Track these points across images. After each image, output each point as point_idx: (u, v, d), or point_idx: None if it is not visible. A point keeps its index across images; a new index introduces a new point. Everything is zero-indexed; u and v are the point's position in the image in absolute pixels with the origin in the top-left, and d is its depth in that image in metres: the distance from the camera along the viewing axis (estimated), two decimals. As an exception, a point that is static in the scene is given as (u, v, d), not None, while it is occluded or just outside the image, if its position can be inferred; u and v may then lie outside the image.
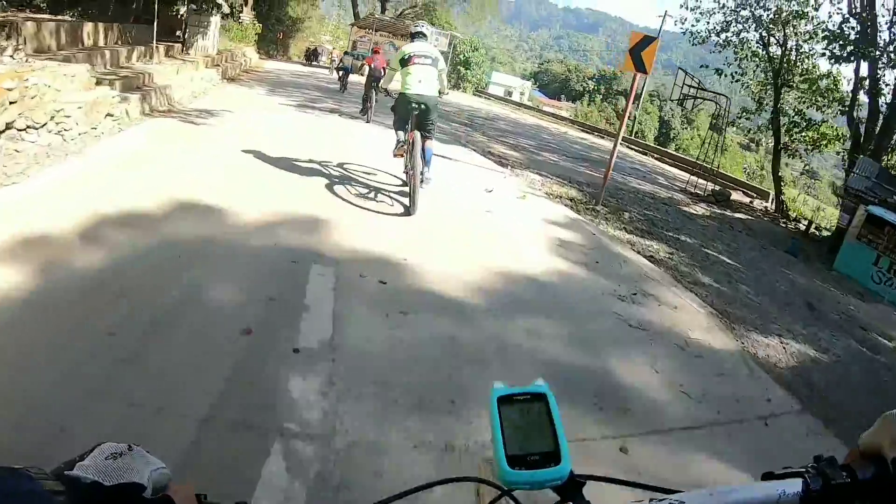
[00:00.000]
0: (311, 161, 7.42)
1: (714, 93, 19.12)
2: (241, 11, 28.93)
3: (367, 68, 12.98)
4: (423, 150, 5.72)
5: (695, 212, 11.53)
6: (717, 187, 15.79)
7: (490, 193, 7.80)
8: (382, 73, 10.00)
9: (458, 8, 39.09)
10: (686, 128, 72.97)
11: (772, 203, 17.50)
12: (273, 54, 38.04)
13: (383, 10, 38.73)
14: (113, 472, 0.49)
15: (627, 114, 8.34)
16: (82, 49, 9.52)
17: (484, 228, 6.08)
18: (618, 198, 9.85)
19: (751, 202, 17.33)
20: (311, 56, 33.26)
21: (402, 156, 6.31)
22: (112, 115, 7.11)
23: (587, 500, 0.59)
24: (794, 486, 0.58)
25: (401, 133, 6.20)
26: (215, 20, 15.67)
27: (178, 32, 14.57)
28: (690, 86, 18.94)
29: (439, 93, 5.97)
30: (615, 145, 8.59)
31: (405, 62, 5.82)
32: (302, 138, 9.01)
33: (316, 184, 6.44)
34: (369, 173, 7.51)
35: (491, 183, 8.44)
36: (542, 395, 0.62)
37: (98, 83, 7.64)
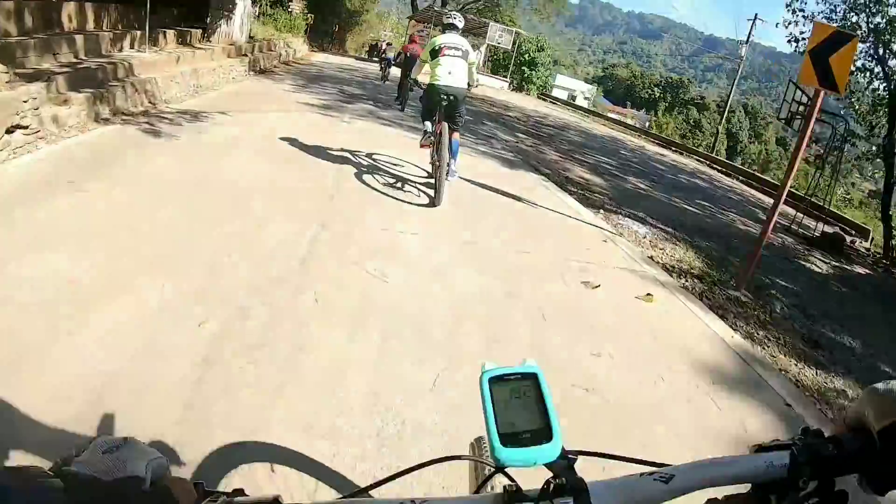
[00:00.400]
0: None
1: (831, 113, 15.72)
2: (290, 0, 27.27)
3: (402, 56, 12.85)
4: (450, 141, 5.57)
5: (817, 268, 8.50)
6: (827, 227, 12.54)
7: (594, 289, 4.46)
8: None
9: (525, 3, 36.05)
10: (753, 142, 67.95)
11: (873, 244, 14.08)
12: (327, 47, 36.32)
13: (444, 4, 36.13)
14: (110, 467, 0.48)
15: (799, 158, 5.16)
16: (52, 34, 7.23)
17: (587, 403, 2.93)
18: (741, 255, 6.92)
19: (852, 242, 13.91)
20: (374, 51, 29.73)
21: (428, 147, 6.19)
22: (23, 127, 4.72)
23: (579, 476, 0.57)
24: (782, 458, 0.59)
25: (428, 124, 5.99)
26: (243, 4, 13.30)
27: (208, 18, 12.40)
28: (801, 103, 15.62)
29: (468, 85, 5.90)
30: (771, 215, 5.21)
31: (435, 53, 5.68)
32: (293, 166, 6.18)
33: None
34: (396, 164, 7.22)
35: (586, 256, 5.22)
36: (533, 375, 0.61)
37: (33, 79, 5.31)
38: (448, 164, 5.48)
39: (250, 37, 15.41)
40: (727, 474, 0.59)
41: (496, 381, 0.60)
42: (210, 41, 12.45)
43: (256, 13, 16.98)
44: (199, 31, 12.16)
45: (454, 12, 7.03)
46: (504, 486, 0.60)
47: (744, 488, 0.63)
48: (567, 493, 0.56)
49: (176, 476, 0.53)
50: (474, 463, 0.79)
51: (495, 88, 29.69)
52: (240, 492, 0.57)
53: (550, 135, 15.99)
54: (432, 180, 5.92)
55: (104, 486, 0.46)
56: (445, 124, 5.57)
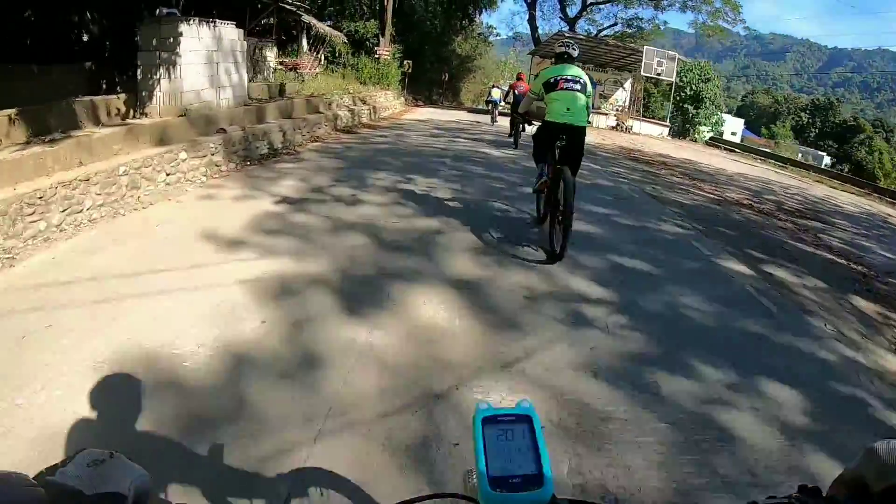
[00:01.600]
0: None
1: None
2: (377, 44, 20.90)
3: (511, 93, 11.78)
4: (571, 185, 4.48)
5: None
6: None
7: None
8: None
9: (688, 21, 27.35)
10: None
11: None
12: (437, 100, 30.23)
13: (572, 28, 28.58)
14: (94, 481, 0.47)
15: None
16: None
17: None
18: None
19: None
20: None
21: (543, 191, 5.27)
22: None
23: None
24: None
25: (542, 165, 5.24)
26: (210, 38, 6.61)
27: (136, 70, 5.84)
28: None
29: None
30: None
31: (550, 87, 4.84)
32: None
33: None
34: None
35: None
36: (527, 417, 0.59)
37: None
38: (570, 207, 4.43)
39: (280, 91, 8.81)
40: None
41: (489, 421, 0.58)
42: (144, 111, 5.80)
43: (274, 62, 10.91)
44: (122, 97, 5.59)
45: (568, 40, 5.99)
46: None
47: None
48: None
49: (159, 497, 0.52)
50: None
51: (653, 136, 21.42)
52: None
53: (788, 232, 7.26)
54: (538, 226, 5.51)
55: (86, 501, 0.45)
56: (566, 168, 4.56)
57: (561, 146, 4.81)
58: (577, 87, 4.76)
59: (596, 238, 5.27)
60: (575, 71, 4.88)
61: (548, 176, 5.00)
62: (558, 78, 4.80)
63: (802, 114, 72.16)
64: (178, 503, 0.55)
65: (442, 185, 6.62)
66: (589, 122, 4.88)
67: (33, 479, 0.44)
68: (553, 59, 5.09)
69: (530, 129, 11.31)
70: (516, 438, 0.57)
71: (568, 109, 4.70)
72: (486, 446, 0.56)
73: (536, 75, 5.74)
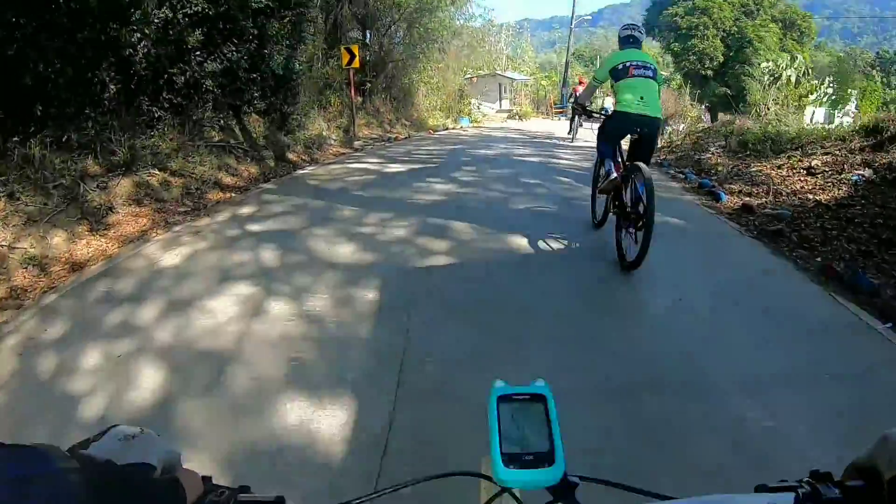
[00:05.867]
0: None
1: None
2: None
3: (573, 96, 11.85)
4: (649, 182, 3.61)
5: None
6: None
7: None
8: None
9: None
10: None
11: None
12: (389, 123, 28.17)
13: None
14: (125, 453, 0.48)
15: None
16: None
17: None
18: None
19: None
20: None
21: (609, 193, 4.31)
22: None
23: (579, 502, 0.54)
24: (787, 499, 0.53)
25: (609, 162, 4.25)
26: None
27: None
28: None
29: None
30: None
31: (619, 74, 4.10)
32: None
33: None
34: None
35: None
36: (542, 396, 0.57)
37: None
38: (648, 215, 3.58)
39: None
40: None
41: (504, 399, 0.56)
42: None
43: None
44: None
45: (632, 23, 4.81)
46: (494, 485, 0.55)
47: None
48: None
49: (187, 468, 0.53)
50: (482, 479, 0.65)
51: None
52: (245, 489, 0.56)
53: None
54: (599, 233, 4.78)
55: (117, 470, 0.46)
56: (641, 163, 3.79)
57: (633, 140, 4.20)
58: (649, 73, 4.15)
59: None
60: (643, 56, 4.29)
61: (617, 174, 4.23)
62: (627, 64, 4.14)
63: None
64: (205, 475, 0.55)
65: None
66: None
67: (66, 451, 0.44)
68: (619, 42, 4.46)
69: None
70: (530, 417, 0.55)
71: (642, 98, 4.06)
72: (501, 424, 0.55)
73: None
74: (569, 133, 13.10)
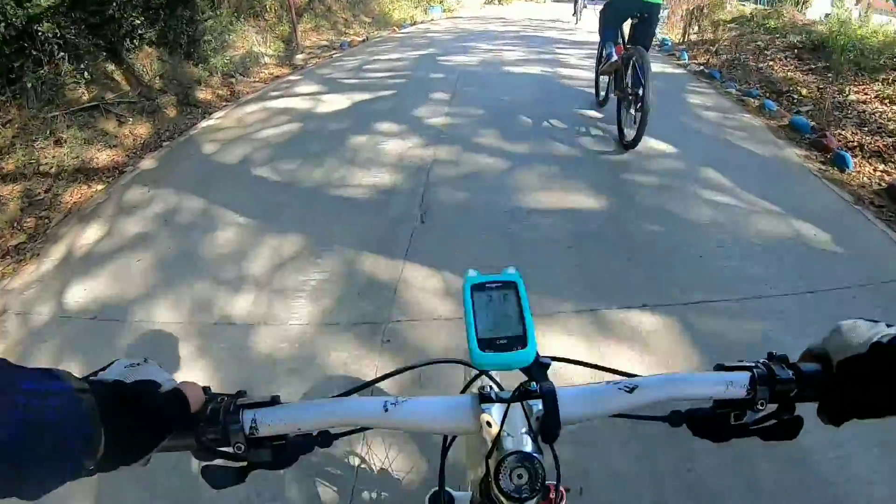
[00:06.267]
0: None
1: None
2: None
3: None
4: (647, 65, 3.81)
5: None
6: None
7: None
8: None
9: None
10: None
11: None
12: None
13: None
14: (132, 375, 0.52)
15: None
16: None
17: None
18: None
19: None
20: None
21: (610, 74, 4.52)
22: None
23: (550, 382, 0.56)
24: (742, 378, 0.56)
25: (610, 45, 4.41)
26: None
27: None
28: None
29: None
30: None
31: None
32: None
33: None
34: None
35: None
36: (513, 283, 0.59)
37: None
38: (647, 96, 3.79)
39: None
40: (688, 390, 0.57)
41: (477, 288, 0.58)
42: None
43: None
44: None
45: None
46: (479, 388, 0.59)
47: (706, 404, 0.60)
48: (536, 397, 0.55)
49: (187, 381, 0.56)
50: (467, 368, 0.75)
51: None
52: (242, 393, 0.59)
53: None
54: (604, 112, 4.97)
55: (125, 386, 0.49)
56: (640, 47, 4.00)
57: (634, 24, 4.30)
58: None
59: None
60: None
61: (618, 57, 4.38)
62: None
63: None
64: (204, 386, 0.58)
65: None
66: None
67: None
68: None
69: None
70: (503, 303, 0.57)
71: None
72: (475, 311, 0.57)
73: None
74: (573, 15, 11.73)
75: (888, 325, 0.53)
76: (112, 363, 0.53)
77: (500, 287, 0.58)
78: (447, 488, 0.75)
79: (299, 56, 7.84)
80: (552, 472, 0.55)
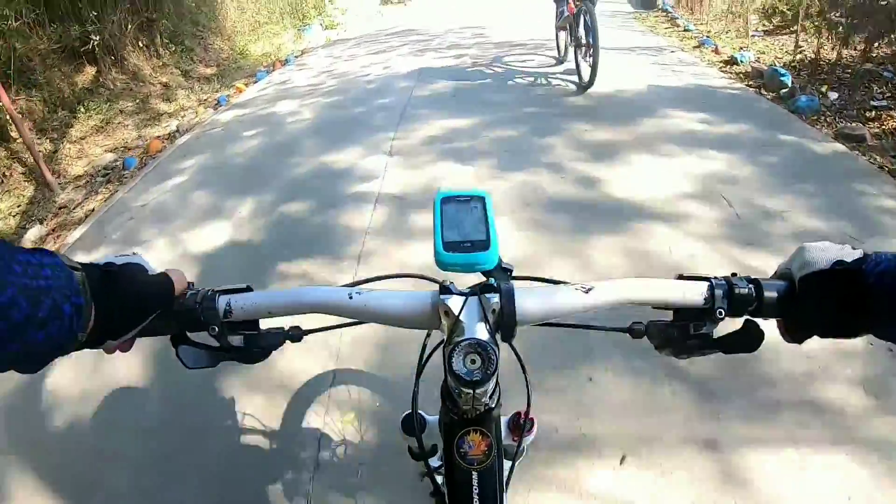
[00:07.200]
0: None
1: None
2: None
3: None
4: (594, 18, 4.69)
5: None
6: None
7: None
8: None
9: None
10: None
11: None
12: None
13: None
14: (121, 261, 0.54)
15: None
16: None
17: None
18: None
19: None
20: None
21: (566, 28, 5.56)
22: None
23: (510, 282, 0.57)
24: (700, 288, 0.57)
25: (563, 3, 5.36)
26: None
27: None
28: None
29: None
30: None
31: None
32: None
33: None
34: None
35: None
36: (481, 198, 0.61)
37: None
38: (596, 45, 4.65)
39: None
40: (644, 295, 0.57)
41: (447, 200, 0.60)
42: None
43: None
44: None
45: None
46: (440, 281, 0.60)
47: (667, 316, 0.61)
48: (495, 291, 0.56)
49: (173, 268, 0.58)
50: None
51: None
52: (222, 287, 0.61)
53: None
54: (567, 65, 5.86)
55: (115, 267, 0.52)
56: (588, 2, 4.76)
57: None
58: None
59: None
60: None
61: (569, 13, 5.09)
62: None
63: None
64: (190, 281, 0.60)
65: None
66: None
67: None
68: None
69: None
70: (470, 213, 0.59)
71: None
72: (443, 219, 0.59)
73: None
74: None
75: (853, 248, 0.53)
76: (103, 258, 0.55)
77: (468, 200, 0.60)
78: (420, 411, 0.77)
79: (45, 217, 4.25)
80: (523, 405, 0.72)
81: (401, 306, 0.58)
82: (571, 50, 5.42)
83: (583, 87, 5.07)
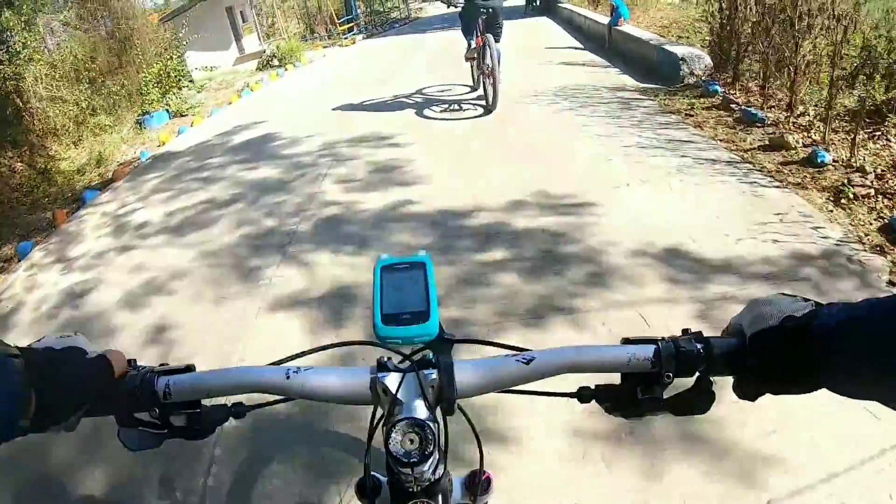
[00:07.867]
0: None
1: None
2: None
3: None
4: (495, 51, 5.37)
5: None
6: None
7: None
8: None
9: None
10: None
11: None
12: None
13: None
14: (61, 344, 0.52)
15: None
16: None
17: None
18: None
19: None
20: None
21: (473, 59, 6.14)
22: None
23: (448, 356, 0.55)
24: (646, 350, 0.54)
25: (471, 38, 5.92)
26: None
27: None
28: None
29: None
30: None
31: None
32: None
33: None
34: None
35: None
36: (422, 264, 0.58)
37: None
38: (495, 72, 5.35)
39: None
40: (588, 361, 0.55)
41: (387, 269, 0.58)
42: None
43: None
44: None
45: None
46: (378, 358, 0.58)
47: (615, 378, 0.57)
48: (433, 366, 0.55)
49: (113, 349, 0.56)
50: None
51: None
52: (164, 365, 0.59)
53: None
54: (478, 93, 6.32)
55: (54, 352, 0.51)
56: (490, 35, 5.41)
57: (484, 20, 5.48)
58: None
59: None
60: None
61: (476, 45, 5.68)
62: None
63: None
64: (129, 359, 0.58)
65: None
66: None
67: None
68: None
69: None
70: (410, 282, 0.57)
71: None
72: (383, 289, 0.56)
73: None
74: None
75: (804, 300, 0.50)
76: (43, 337, 0.53)
77: (408, 268, 0.58)
78: (374, 473, 0.71)
79: None
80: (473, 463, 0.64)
81: (339, 385, 0.57)
82: (480, 78, 6.00)
83: (487, 109, 5.74)
